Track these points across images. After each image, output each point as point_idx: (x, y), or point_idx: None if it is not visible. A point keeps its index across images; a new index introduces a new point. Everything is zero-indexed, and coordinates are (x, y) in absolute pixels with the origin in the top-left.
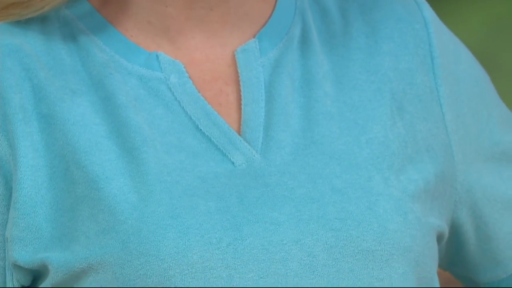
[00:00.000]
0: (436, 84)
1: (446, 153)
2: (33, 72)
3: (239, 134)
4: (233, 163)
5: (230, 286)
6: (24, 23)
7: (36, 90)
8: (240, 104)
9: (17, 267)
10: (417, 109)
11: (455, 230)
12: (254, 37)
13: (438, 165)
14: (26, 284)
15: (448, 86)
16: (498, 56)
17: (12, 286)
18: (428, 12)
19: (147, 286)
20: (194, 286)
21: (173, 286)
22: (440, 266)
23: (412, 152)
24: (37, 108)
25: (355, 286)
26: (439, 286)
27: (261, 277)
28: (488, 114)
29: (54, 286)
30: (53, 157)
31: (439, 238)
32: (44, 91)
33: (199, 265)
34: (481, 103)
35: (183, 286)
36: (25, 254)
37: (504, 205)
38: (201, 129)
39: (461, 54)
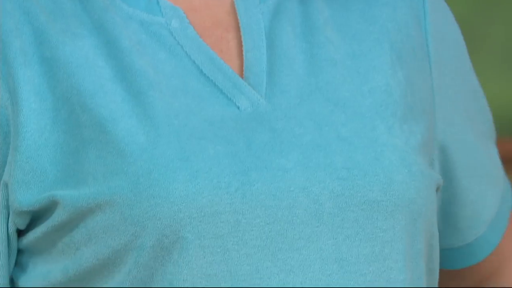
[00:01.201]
0: (427, 40)
1: (430, 110)
2: (33, 15)
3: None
4: (238, 107)
5: (237, 230)
6: None
7: (37, 33)
8: (241, 51)
9: (16, 209)
10: (413, 62)
11: None
12: None
13: (427, 121)
14: (22, 227)
15: (436, 43)
16: (482, 31)
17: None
18: None
19: (156, 228)
20: (202, 230)
21: (181, 229)
22: None
23: (411, 102)
24: (38, 52)
25: (358, 236)
26: (438, 243)
27: (268, 223)
28: (467, 82)
29: (58, 226)
30: (57, 99)
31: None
32: (45, 34)
33: (208, 209)
34: (462, 70)
35: (191, 229)
36: (30, 196)
37: (474, 173)
38: (205, 74)
39: (449, 16)
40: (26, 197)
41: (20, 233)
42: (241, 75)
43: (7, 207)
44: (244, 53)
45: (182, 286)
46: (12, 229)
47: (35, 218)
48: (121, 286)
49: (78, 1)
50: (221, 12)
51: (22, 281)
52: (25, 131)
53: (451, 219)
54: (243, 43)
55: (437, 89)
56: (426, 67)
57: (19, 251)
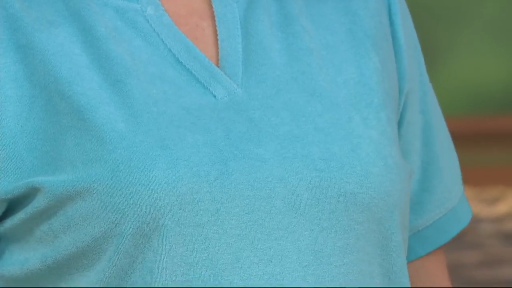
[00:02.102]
0: (396, 28)
1: (399, 101)
2: (7, 2)
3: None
4: (214, 96)
5: (216, 219)
6: None
7: (11, 20)
8: (216, 40)
9: None
10: (386, 48)
11: None
12: None
13: (398, 109)
14: None
15: (405, 32)
16: (472, 8)
17: None
18: None
19: (136, 215)
20: (182, 218)
21: (162, 216)
22: None
23: (388, 88)
24: (13, 39)
25: (334, 228)
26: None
27: (246, 213)
28: (421, 71)
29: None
30: (33, 87)
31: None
32: (20, 21)
33: (188, 197)
34: (420, 60)
35: (171, 217)
36: (6, 183)
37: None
38: (181, 62)
39: (406, 5)
40: (3, 184)
41: None
42: (217, 64)
43: None
44: (219, 42)
45: (162, 274)
46: None
47: (13, 205)
48: (102, 274)
49: None
50: (196, 0)
51: None
52: (0, 118)
53: (425, 196)
54: (218, 32)
55: (407, 79)
56: (393, 54)
57: None
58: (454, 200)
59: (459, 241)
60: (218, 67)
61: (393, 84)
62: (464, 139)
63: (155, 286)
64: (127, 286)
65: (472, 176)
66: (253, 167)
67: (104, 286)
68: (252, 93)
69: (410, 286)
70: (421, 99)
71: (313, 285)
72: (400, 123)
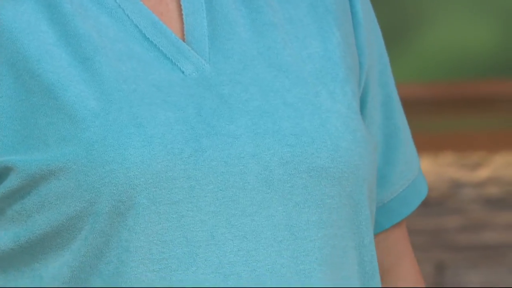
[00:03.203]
0: (355, 5)
1: (360, 76)
2: None
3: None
4: (183, 72)
5: (191, 196)
6: None
7: None
8: (181, 14)
9: None
10: (347, 23)
11: None
12: None
13: (360, 85)
14: None
15: (363, 6)
16: None
17: None
18: None
19: (111, 194)
20: (157, 196)
21: (137, 195)
22: None
23: (350, 63)
24: None
25: (307, 202)
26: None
27: (220, 189)
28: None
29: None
30: (0, 65)
31: None
32: None
33: (162, 175)
34: (378, 35)
35: (147, 195)
36: None
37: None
38: (148, 38)
39: None
40: None
41: None
42: (183, 39)
43: None
44: (184, 16)
45: (138, 252)
46: None
47: None
48: (77, 253)
49: None
50: None
51: None
52: None
53: (387, 169)
54: (182, 7)
55: (366, 55)
56: (352, 30)
57: None
58: (415, 172)
59: (441, 207)
60: (185, 42)
61: (354, 60)
62: (445, 105)
63: (131, 264)
64: (103, 265)
65: (454, 142)
66: (225, 143)
67: (80, 265)
68: (220, 68)
69: (376, 259)
70: (381, 73)
71: (287, 259)
72: (364, 99)
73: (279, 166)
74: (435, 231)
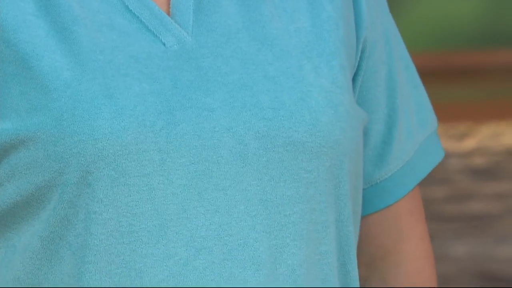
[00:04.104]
0: None
1: (356, 49)
2: None
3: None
4: (164, 44)
5: (162, 169)
6: None
7: None
8: None
9: None
10: None
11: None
12: None
13: (356, 57)
14: None
15: None
16: None
17: None
18: None
19: (80, 165)
20: (127, 168)
21: (106, 166)
22: None
23: (344, 35)
24: None
25: (283, 177)
26: (362, 185)
27: (193, 163)
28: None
29: None
30: None
31: (364, 131)
32: None
33: (132, 147)
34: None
35: (116, 167)
36: None
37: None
38: (131, 10)
39: None
40: None
41: None
42: (168, 11)
43: None
44: None
45: (107, 225)
46: None
47: None
48: (46, 223)
49: None
50: None
51: None
52: None
53: (384, 150)
54: None
55: (367, 28)
56: (351, 1)
57: None
58: (410, 153)
59: (428, 177)
60: (169, 15)
61: (350, 32)
62: (431, 75)
63: (100, 237)
64: (72, 237)
65: (440, 112)
66: (200, 116)
67: (49, 235)
68: (202, 41)
69: (352, 235)
70: (385, 49)
71: (261, 234)
72: (357, 72)
73: (255, 140)
74: (423, 201)
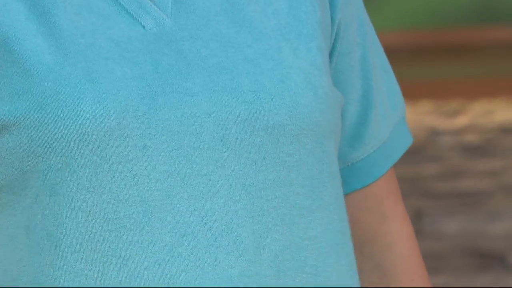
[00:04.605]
0: None
1: (331, 31)
2: None
3: None
4: (143, 26)
5: (145, 155)
6: None
7: None
8: None
9: None
10: None
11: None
12: None
13: (330, 39)
14: None
15: None
16: None
17: None
18: None
19: (63, 150)
20: (110, 153)
21: (89, 152)
22: None
23: (321, 17)
24: None
25: (265, 161)
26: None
27: (175, 149)
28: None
29: None
30: None
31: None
32: None
33: (115, 132)
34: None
35: (99, 153)
36: None
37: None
38: None
39: None
40: None
41: None
42: None
43: None
44: None
45: (92, 212)
46: None
47: None
48: (29, 211)
49: None
50: None
51: None
52: None
53: (361, 129)
54: None
55: (341, 10)
56: None
57: None
58: (386, 134)
59: (419, 154)
60: None
61: (325, 14)
62: (423, 52)
63: (85, 224)
64: (53, 224)
65: (432, 89)
66: (181, 101)
67: (30, 223)
68: (181, 23)
69: (346, 218)
70: (358, 32)
71: (244, 219)
72: (331, 53)
73: (236, 124)
74: (414, 178)
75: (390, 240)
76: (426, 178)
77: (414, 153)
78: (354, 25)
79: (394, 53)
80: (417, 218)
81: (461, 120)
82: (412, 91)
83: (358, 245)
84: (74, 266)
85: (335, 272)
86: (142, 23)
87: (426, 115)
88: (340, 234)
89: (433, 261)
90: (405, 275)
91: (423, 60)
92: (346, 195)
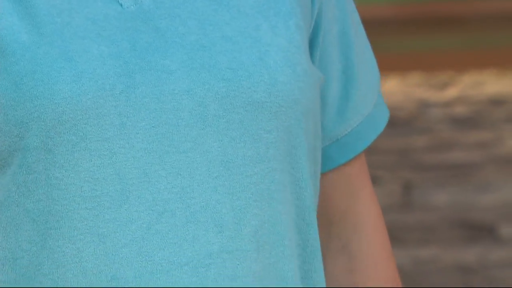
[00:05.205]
0: None
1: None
2: None
3: None
4: (121, 4)
5: (122, 133)
6: None
7: None
8: None
9: None
10: None
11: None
12: None
13: (311, 17)
14: None
15: None
16: None
17: None
18: None
19: (40, 129)
20: (88, 132)
21: (66, 131)
22: None
23: None
24: None
25: (243, 137)
26: (321, 144)
27: (153, 126)
28: None
29: None
30: None
31: (322, 90)
32: None
33: (92, 111)
34: None
35: (76, 132)
36: None
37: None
38: None
39: None
40: None
41: None
42: None
43: None
44: None
45: (69, 190)
46: None
47: None
48: (6, 190)
49: None
50: None
51: None
52: None
53: (343, 106)
54: None
55: None
56: None
57: None
58: (369, 107)
59: (408, 126)
60: None
61: None
62: (413, 24)
63: (62, 202)
64: (31, 203)
65: (422, 61)
66: (159, 79)
67: (6, 200)
68: (159, 2)
69: (313, 195)
70: (337, 6)
71: (223, 195)
72: (317, 32)
73: (215, 101)
74: (403, 150)
75: (357, 220)
76: (416, 150)
77: (404, 125)
78: (332, 0)
79: (382, 26)
80: (406, 190)
81: (451, 92)
82: (402, 63)
83: (327, 224)
84: (51, 243)
85: (314, 244)
86: (120, 1)
87: (415, 87)
88: (313, 210)
89: (422, 233)
90: (370, 258)
91: (413, 32)
92: (321, 174)
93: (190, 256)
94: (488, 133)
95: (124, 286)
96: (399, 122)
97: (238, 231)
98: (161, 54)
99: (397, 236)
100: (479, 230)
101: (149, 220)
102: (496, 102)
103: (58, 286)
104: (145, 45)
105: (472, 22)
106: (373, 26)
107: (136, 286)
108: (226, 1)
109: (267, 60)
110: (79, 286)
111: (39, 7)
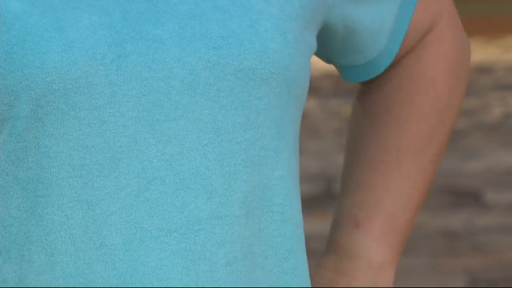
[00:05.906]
0: None
1: None
2: None
3: None
4: None
5: (113, 102)
6: None
7: None
8: None
9: None
10: None
11: (326, 28)
12: None
13: None
14: None
15: None
16: None
17: None
18: None
19: (30, 98)
20: (78, 101)
21: (56, 100)
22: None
23: None
24: None
25: (234, 104)
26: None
27: (144, 95)
28: None
29: None
30: None
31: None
32: None
33: (82, 80)
34: None
35: (66, 100)
36: None
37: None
38: None
39: None
40: None
41: None
42: None
43: None
44: None
45: (58, 158)
46: None
47: None
48: None
49: None
50: None
51: None
52: None
53: (353, 45)
54: None
55: None
56: None
57: None
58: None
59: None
60: None
61: None
62: None
63: (51, 170)
64: (21, 171)
65: (486, 25)
66: (150, 48)
67: None
68: None
69: (297, 160)
70: None
71: (213, 162)
72: None
73: (205, 69)
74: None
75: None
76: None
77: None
78: None
79: None
80: None
81: None
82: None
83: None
84: (40, 210)
85: (298, 209)
86: None
87: None
88: (296, 175)
89: None
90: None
91: None
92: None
93: (179, 223)
94: (474, 101)
95: (113, 253)
96: None
97: (228, 197)
98: (152, 23)
99: None
100: (465, 196)
101: (138, 188)
102: (483, 69)
103: (46, 252)
104: (136, 15)
105: None
106: None
107: (125, 253)
108: None
109: (258, 28)
110: (67, 253)
111: None
